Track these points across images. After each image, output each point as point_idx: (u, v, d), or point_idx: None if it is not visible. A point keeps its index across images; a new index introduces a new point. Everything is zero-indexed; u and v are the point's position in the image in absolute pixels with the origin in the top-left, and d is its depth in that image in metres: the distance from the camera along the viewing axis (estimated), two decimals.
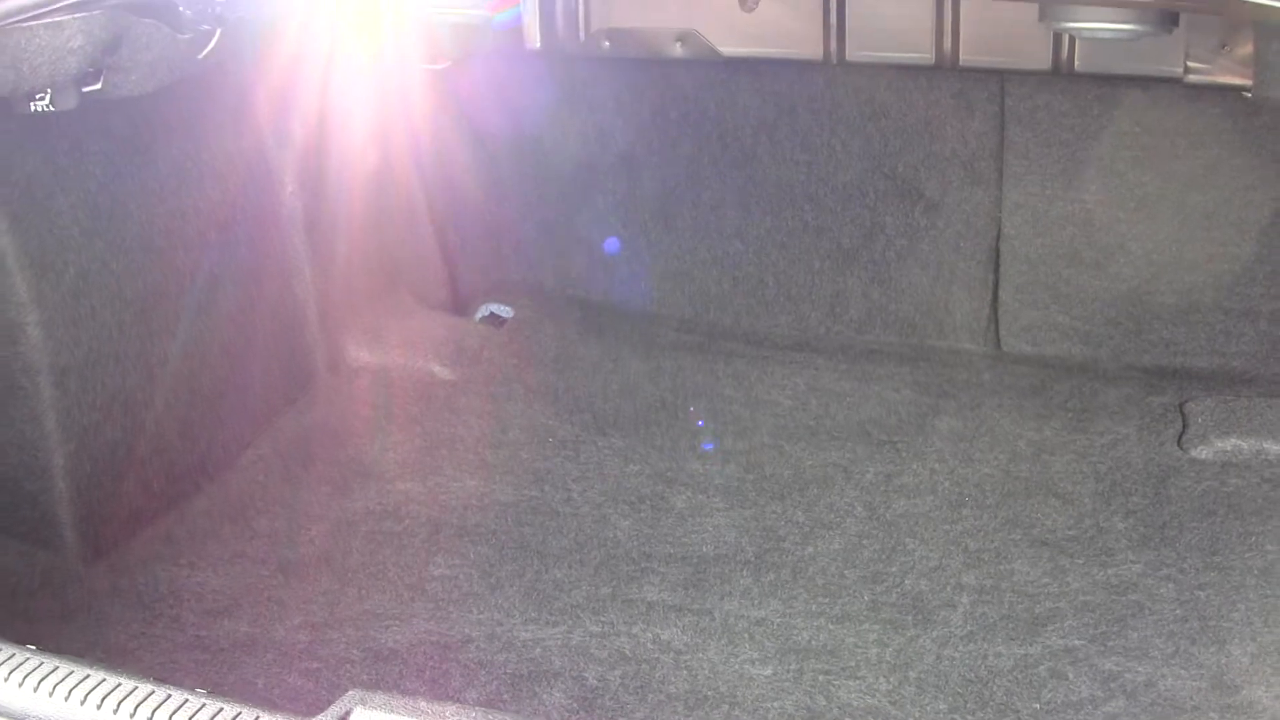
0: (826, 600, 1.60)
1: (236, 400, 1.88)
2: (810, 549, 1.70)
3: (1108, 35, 1.83)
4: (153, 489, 1.73)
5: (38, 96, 1.53)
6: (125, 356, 1.67)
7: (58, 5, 1.38)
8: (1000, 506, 1.77)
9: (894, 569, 1.64)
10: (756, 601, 1.60)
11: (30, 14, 1.35)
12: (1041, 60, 2.15)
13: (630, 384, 2.12)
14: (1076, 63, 2.13)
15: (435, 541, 1.72)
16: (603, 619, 1.56)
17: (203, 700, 1.02)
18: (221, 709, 1.01)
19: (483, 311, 2.28)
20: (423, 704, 1.02)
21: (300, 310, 2.02)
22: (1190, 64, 2.04)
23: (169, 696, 1.01)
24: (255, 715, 1.00)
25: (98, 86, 1.59)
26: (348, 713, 1.03)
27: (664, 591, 1.62)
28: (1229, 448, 1.83)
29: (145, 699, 1.00)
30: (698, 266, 2.32)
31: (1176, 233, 2.06)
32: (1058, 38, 2.11)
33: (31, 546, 1.62)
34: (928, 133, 2.14)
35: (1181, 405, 1.95)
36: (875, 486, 1.82)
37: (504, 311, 2.27)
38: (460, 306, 2.32)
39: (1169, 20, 1.83)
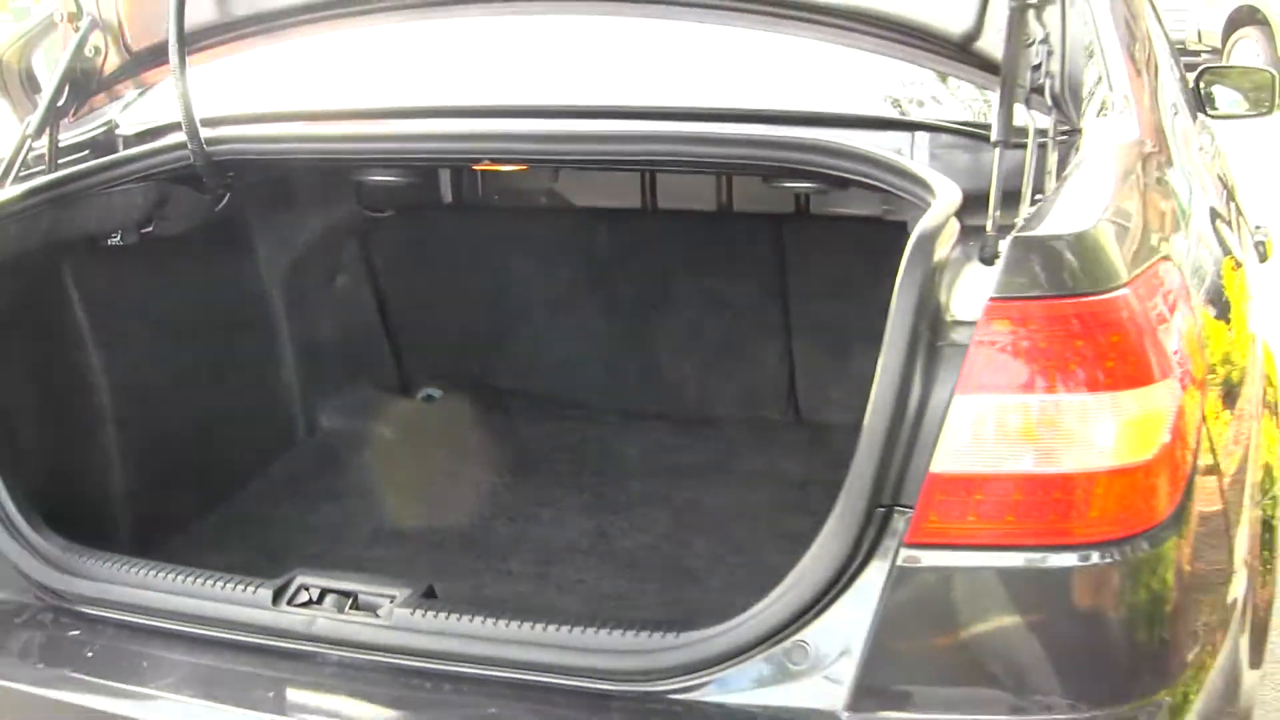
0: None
1: (243, 447, 2.67)
2: (628, 542, 2.44)
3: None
4: (185, 503, 2.50)
5: (113, 235, 2.36)
6: (166, 412, 2.46)
7: (131, 175, 2.23)
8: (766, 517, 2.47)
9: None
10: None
11: (114, 183, 2.21)
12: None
13: (516, 444, 2.88)
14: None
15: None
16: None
17: None
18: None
19: (421, 393, 3.09)
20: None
21: (286, 388, 2.82)
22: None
23: None
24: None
25: (150, 229, 2.42)
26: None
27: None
28: None
29: None
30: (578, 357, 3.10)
31: None
32: None
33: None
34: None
35: None
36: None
37: (435, 393, 3.08)
38: (405, 388, 3.14)
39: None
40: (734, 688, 1.46)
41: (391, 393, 2.97)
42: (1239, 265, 2.22)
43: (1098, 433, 1.36)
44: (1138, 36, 2.25)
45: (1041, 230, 1.42)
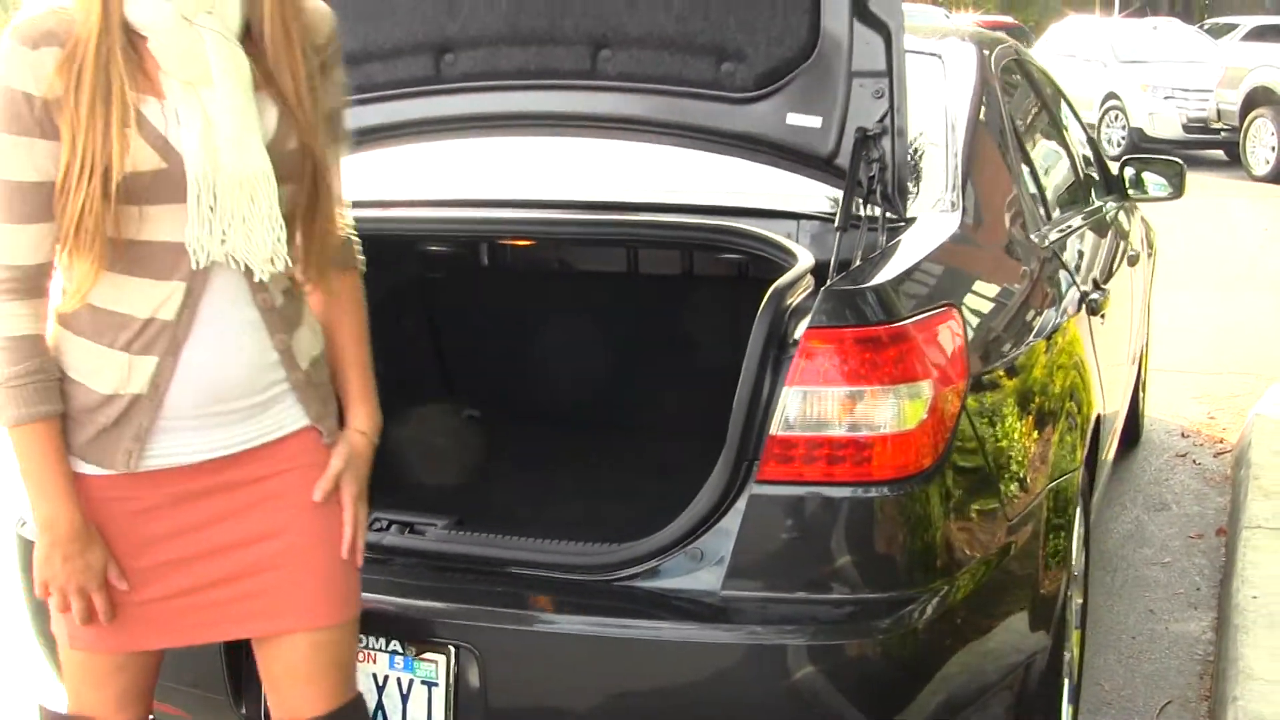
0: None
1: None
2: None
3: None
4: None
5: None
6: None
7: None
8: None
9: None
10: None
11: None
12: None
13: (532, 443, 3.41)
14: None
15: None
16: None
17: None
18: None
19: (465, 413, 3.90)
20: None
21: None
22: None
23: None
24: None
25: None
26: None
27: None
28: None
29: None
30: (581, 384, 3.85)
31: None
32: None
33: None
34: None
35: None
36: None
37: (475, 414, 3.86)
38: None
39: None
40: (654, 577, 2.27)
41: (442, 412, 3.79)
42: (1070, 316, 3.04)
43: (879, 411, 2.18)
44: (997, 152, 3.08)
45: (844, 285, 2.25)
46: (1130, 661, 3.69)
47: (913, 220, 2.65)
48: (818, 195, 2.73)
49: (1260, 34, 18.31)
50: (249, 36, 1.82)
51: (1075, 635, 3.15)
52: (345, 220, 2.07)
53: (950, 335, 2.32)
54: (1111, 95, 16.78)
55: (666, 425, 2.88)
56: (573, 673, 2.25)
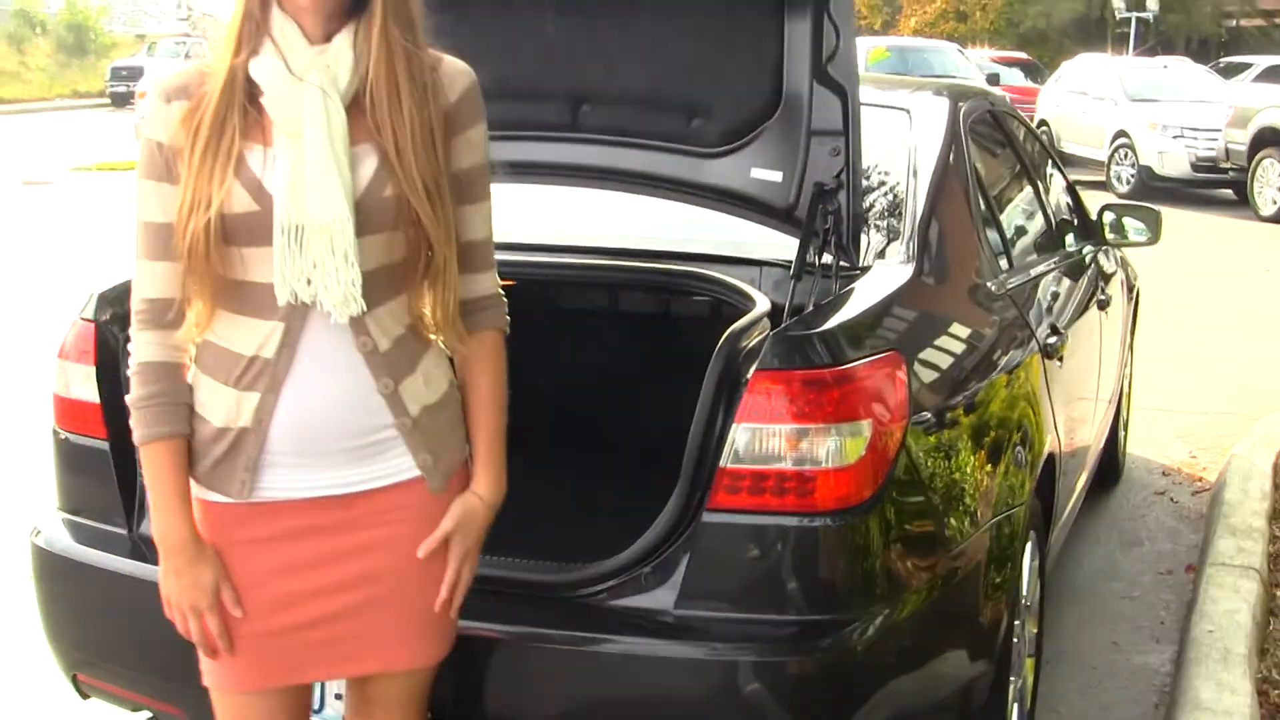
0: None
1: None
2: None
3: None
4: None
5: None
6: None
7: None
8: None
9: None
10: None
11: None
12: None
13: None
14: None
15: None
16: None
17: None
18: None
19: None
20: None
21: None
22: None
23: None
24: None
25: None
26: None
27: None
28: None
29: None
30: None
31: None
32: None
33: None
34: None
35: None
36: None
37: None
38: None
39: None
40: (615, 595, 2.45)
41: None
42: (1023, 359, 3.22)
43: (822, 446, 2.36)
44: (957, 203, 3.27)
45: (793, 330, 2.44)
46: (1090, 691, 3.85)
47: (868, 269, 2.84)
48: (781, 244, 2.91)
49: (1273, 75, 18.47)
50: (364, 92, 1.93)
51: (1029, 663, 3.31)
52: (485, 281, 2.14)
53: (893, 378, 2.50)
54: (1121, 133, 16.96)
55: (636, 452, 3.06)
56: (533, 682, 2.43)
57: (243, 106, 1.91)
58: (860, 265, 2.81)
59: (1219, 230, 14.06)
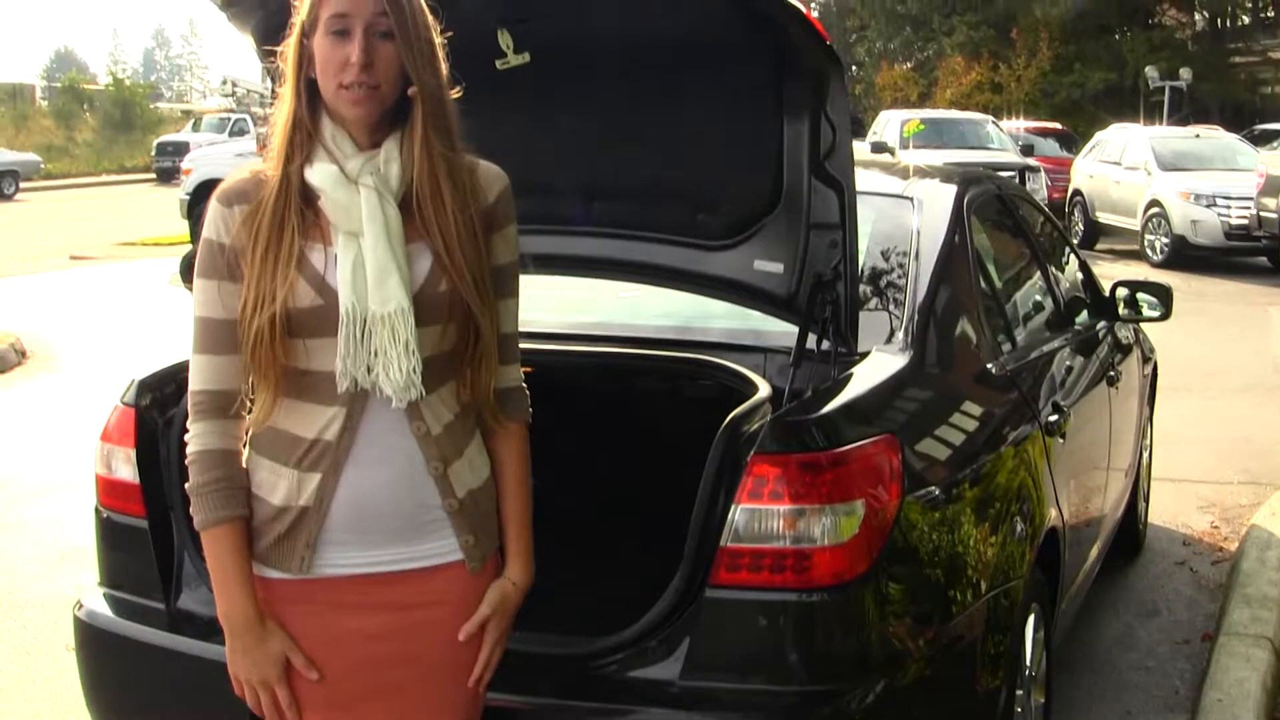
0: None
1: None
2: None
3: None
4: None
5: None
6: None
7: None
8: None
9: None
10: None
11: None
12: None
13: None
14: None
15: None
16: None
17: None
18: None
19: None
20: None
21: None
22: None
23: None
24: None
25: None
26: None
27: None
28: None
29: None
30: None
31: None
32: None
33: None
34: None
35: None
36: None
37: None
38: None
39: None
40: (626, 666, 2.59)
41: None
42: (1023, 438, 3.34)
43: (818, 525, 2.50)
44: (958, 288, 3.41)
45: (791, 415, 2.58)
46: None
47: (866, 354, 2.99)
48: (786, 332, 3.07)
49: None
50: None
51: None
52: (513, 372, 2.26)
53: (887, 460, 2.64)
54: (1155, 203, 17.04)
55: (645, 529, 3.20)
56: None
57: (299, 209, 2.04)
58: (859, 351, 2.95)
59: (1250, 298, 14.09)
